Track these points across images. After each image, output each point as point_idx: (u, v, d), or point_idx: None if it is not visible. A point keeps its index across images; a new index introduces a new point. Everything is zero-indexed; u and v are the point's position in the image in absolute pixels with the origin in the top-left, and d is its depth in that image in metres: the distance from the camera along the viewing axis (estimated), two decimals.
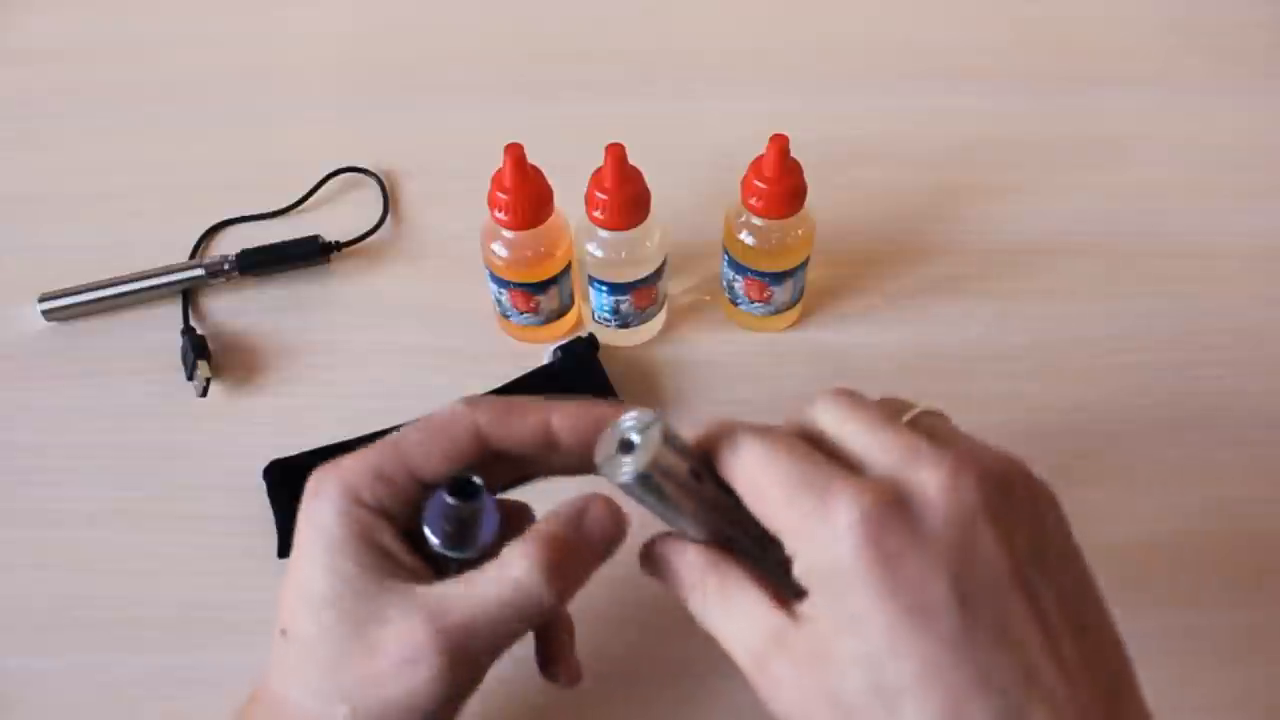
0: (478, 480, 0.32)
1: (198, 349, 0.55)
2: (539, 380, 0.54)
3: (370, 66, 0.72)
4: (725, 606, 0.31)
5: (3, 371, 0.56)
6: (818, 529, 0.27)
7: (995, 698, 0.26)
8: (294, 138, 0.68)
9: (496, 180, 0.49)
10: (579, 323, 0.57)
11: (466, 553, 0.33)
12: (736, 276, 0.54)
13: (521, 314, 0.54)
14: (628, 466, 0.29)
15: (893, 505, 0.27)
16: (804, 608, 0.29)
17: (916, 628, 0.26)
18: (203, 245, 0.62)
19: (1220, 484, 0.51)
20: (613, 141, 0.47)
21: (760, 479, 0.29)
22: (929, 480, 0.27)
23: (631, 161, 0.48)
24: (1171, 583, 0.48)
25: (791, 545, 0.29)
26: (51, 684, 0.46)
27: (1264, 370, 0.55)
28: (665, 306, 0.56)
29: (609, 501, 0.33)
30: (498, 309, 0.55)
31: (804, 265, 0.53)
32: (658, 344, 0.57)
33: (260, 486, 0.50)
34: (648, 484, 0.29)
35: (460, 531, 0.33)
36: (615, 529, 0.33)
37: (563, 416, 0.34)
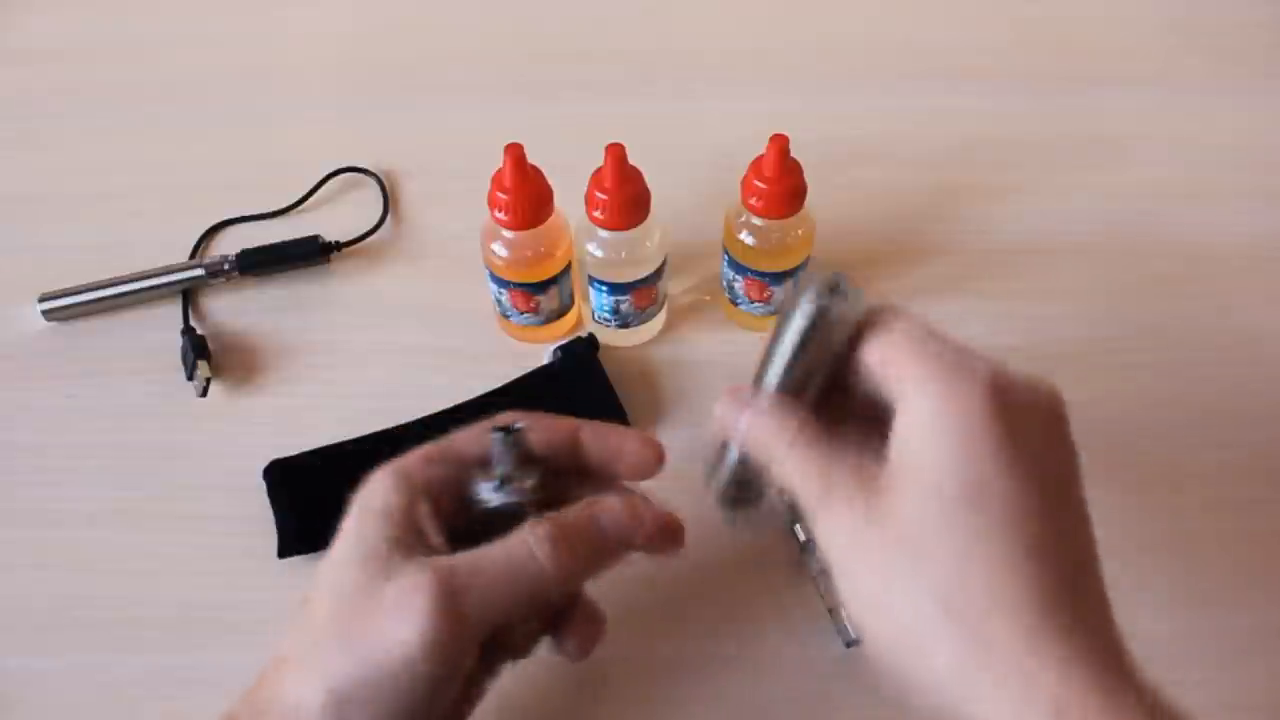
0: (520, 425, 0.36)
1: (198, 349, 0.55)
2: (539, 380, 0.54)
3: (370, 66, 0.72)
4: (818, 447, 0.33)
5: (3, 371, 0.56)
6: (957, 374, 0.31)
7: (1070, 548, 0.30)
8: (294, 138, 0.68)
9: (496, 180, 0.49)
10: (579, 323, 0.57)
11: (510, 497, 0.36)
12: (736, 276, 0.54)
13: (521, 314, 0.54)
14: (822, 300, 0.33)
15: (1014, 375, 0.31)
16: (897, 453, 0.31)
17: (1022, 464, 0.30)
18: (203, 245, 0.62)
19: (1220, 484, 0.51)
20: (613, 141, 0.47)
21: (913, 331, 0.32)
22: (1037, 379, 0.32)
23: (631, 161, 0.48)
24: (1171, 583, 0.48)
25: (919, 391, 0.31)
26: (51, 684, 0.46)
27: (1264, 370, 0.55)
28: (665, 306, 0.56)
29: (629, 499, 0.36)
30: (498, 309, 0.55)
31: (804, 265, 0.53)
32: (658, 344, 0.57)
33: (260, 486, 0.50)
34: (824, 318, 0.33)
35: (512, 473, 0.36)
36: (629, 520, 0.36)
37: (590, 430, 0.38)
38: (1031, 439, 0.30)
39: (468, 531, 0.36)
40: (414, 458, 0.37)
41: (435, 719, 0.34)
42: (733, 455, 0.38)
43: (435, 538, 0.35)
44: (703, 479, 0.40)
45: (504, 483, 0.36)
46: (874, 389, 0.33)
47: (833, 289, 0.33)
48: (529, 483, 0.36)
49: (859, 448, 0.33)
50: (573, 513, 0.35)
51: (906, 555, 0.30)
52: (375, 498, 0.35)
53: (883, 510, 0.31)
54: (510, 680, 0.42)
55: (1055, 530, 0.30)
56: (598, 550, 0.35)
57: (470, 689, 0.37)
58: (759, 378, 0.35)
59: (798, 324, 0.33)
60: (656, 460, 0.39)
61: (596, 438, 0.38)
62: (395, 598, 0.32)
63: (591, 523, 0.35)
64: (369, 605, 0.33)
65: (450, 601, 0.32)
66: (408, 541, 0.34)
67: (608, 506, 0.36)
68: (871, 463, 0.32)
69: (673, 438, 0.52)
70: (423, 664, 0.32)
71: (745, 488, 0.38)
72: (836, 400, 0.35)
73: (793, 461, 0.33)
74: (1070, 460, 0.32)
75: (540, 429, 0.38)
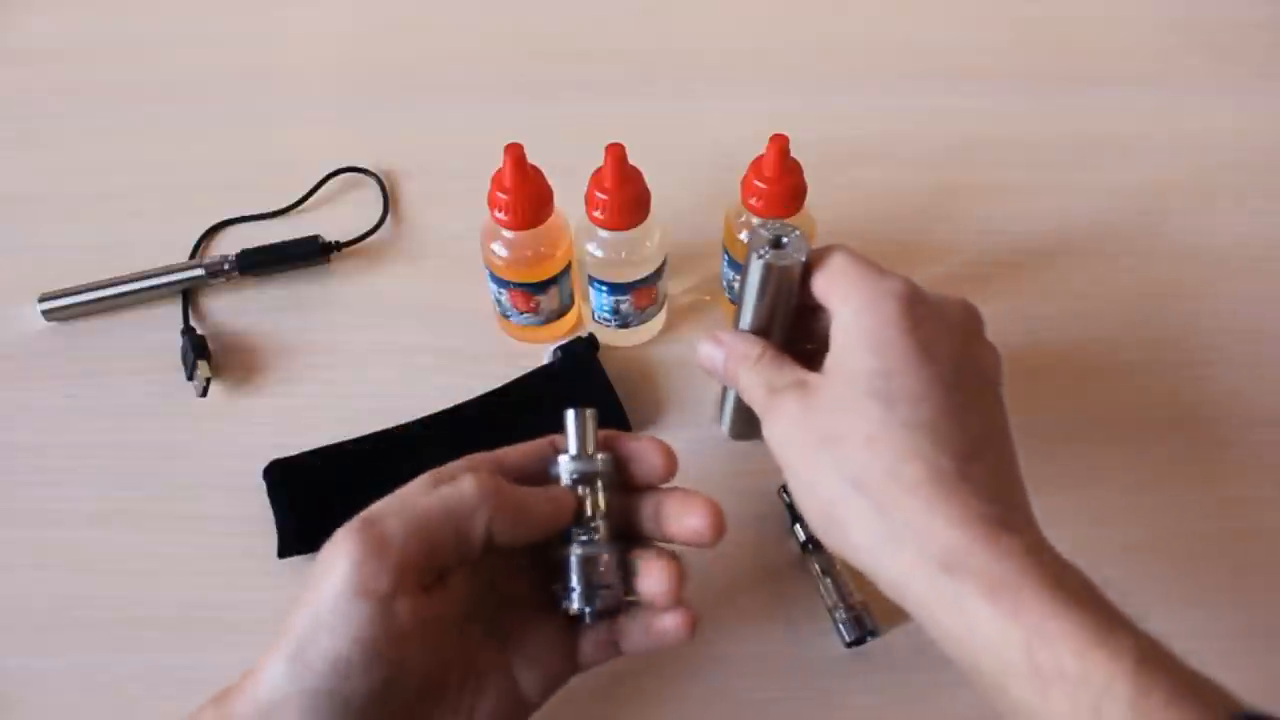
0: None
1: (198, 349, 0.55)
2: (539, 380, 0.54)
3: (370, 66, 0.72)
4: (773, 365, 0.39)
5: (3, 371, 0.56)
6: (875, 289, 0.36)
7: (965, 431, 0.34)
8: (294, 138, 0.68)
9: (496, 180, 0.49)
10: (579, 323, 0.57)
11: (585, 467, 0.40)
12: (736, 276, 0.54)
13: (521, 314, 0.54)
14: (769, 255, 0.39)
15: (928, 292, 0.37)
16: (829, 360, 0.37)
17: (925, 360, 0.35)
18: (203, 245, 0.62)
19: (1220, 484, 0.51)
20: (613, 141, 0.47)
21: (843, 261, 0.37)
22: (952, 295, 0.38)
23: (631, 161, 0.48)
24: (1171, 583, 0.48)
25: (845, 305, 0.36)
26: (51, 684, 0.46)
27: (1264, 370, 0.55)
28: (665, 306, 0.56)
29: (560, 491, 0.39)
30: (498, 309, 0.55)
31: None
32: (658, 344, 0.57)
33: (260, 486, 0.50)
34: (771, 268, 0.39)
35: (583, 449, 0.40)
36: (556, 501, 0.38)
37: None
38: (938, 340, 0.35)
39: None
40: (455, 464, 0.39)
41: (412, 675, 0.34)
42: (731, 392, 0.44)
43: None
44: (712, 418, 0.44)
45: (577, 457, 0.39)
46: (825, 320, 0.38)
47: (775, 244, 0.39)
48: (600, 457, 0.40)
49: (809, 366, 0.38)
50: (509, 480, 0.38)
51: (826, 441, 0.35)
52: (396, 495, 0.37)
53: (811, 405, 0.36)
54: None
55: (953, 414, 0.34)
56: (526, 512, 0.37)
57: (475, 675, 0.37)
58: (735, 323, 0.42)
59: (752, 276, 0.39)
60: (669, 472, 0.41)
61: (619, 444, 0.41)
62: (327, 548, 0.34)
63: (528, 491, 0.38)
64: (313, 569, 0.34)
65: (368, 529, 0.34)
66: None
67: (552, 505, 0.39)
68: (813, 375, 0.37)
69: (673, 438, 0.52)
70: (354, 596, 0.33)
71: (747, 418, 0.42)
72: (804, 338, 0.41)
73: (750, 377, 0.39)
74: (978, 359, 0.37)
75: (517, 455, 0.40)
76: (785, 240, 0.39)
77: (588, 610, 0.38)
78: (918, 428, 0.34)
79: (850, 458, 0.34)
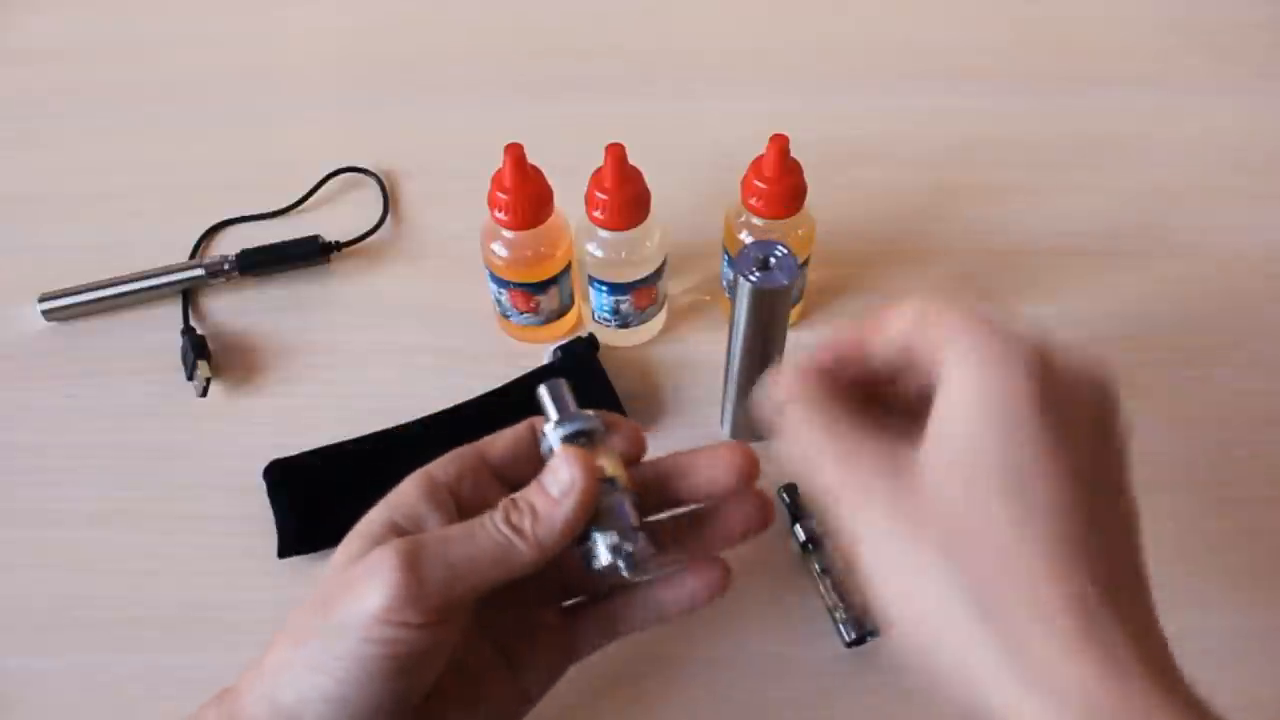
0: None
1: (198, 349, 0.55)
2: (539, 380, 0.54)
3: (370, 66, 0.72)
4: (848, 431, 0.31)
5: (3, 371, 0.56)
6: (1003, 348, 0.29)
7: (1108, 548, 0.28)
8: (294, 138, 0.68)
9: (496, 180, 0.49)
10: (579, 323, 0.57)
11: (576, 425, 0.37)
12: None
13: (521, 314, 0.54)
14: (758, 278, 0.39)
15: (1060, 352, 0.30)
16: (934, 433, 0.29)
17: (1063, 453, 0.28)
18: (203, 245, 0.62)
19: (1220, 484, 0.51)
20: (613, 141, 0.47)
21: (956, 308, 0.30)
22: (1087, 357, 0.30)
23: (631, 161, 0.48)
24: (1172, 583, 0.48)
25: (961, 364, 0.29)
26: (51, 684, 0.46)
27: (1265, 370, 0.55)
28: (665, 306, 0.56)
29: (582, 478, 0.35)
30: (498, 309, 0.55)
31: (804, 265, 0.53)
32: (658, 344, 0.57)
33: (260, 486, 0.50)
34: (762, 291, 0.39)
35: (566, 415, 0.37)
36: (584, 493, 0.34)
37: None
38: (1079, 427, 0.28)
39: None
40: (441, 459, 0.37)
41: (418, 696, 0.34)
42: (731, 391, 0.43)
43: (435, 528, 0.35)
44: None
45: (561, 421, 0.36)
46: (917, 374, 0.31)
47: (762, 264, 0.38)
48: (589, 415, 0.37)
49: (894, 434, 0.30)
50: (531, 491, 0.35)
51: (939, 549, 0.28)
52: (391, 493, 0.36)
53: (913, 492, 0.28)
54: None
55: (1099, 529, 0.28)
56: (559, 530, 0.35)
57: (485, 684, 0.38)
58: (728, 346, 0.41)
59: (741, 299, 0.38)
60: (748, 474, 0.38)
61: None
62: (363, 567, 0.33)
63: (555, 508, 0.35)
64: (342, 580, 0.33)
65: (410, 562, 0.32)
66: (404, 528, 0.35)
67: (559, 478, 0.35)
68: (904, 446, 0.29)
69: (673, 438, 0.52)
70: (383, 625, 0.32)
71: (748, 419, 0.42)
72: (880, 393, 0.33)
73: (815, 442, 0.31)
74: (1120, 453, 0.30)
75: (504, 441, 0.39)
76: (772, 260, 0.38)
77: (621, 564, 0.35)
78: (1060, 542, 0.27)
79: (971, 570, 0.27)
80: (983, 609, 0.27)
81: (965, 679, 0.27)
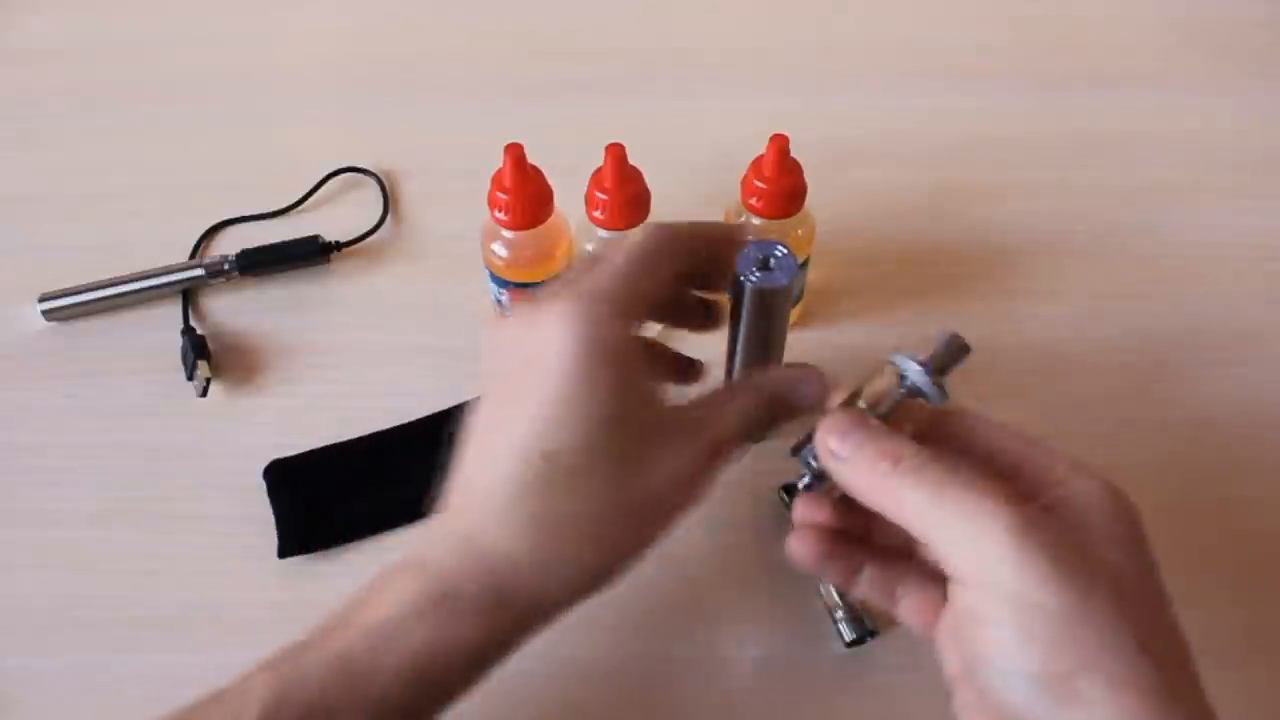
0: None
1: (198, 349, 0.55)
2: None
3: (370, 66, 0.72)
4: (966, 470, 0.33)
5: (3, 371, 0.56)
6: (1080, 475, 0.33)
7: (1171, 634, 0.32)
8: (294, 138, 0.68)
9: (496, 180, 0.49)
10: None
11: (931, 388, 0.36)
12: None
13: None
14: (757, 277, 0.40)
15: None
16: (1059, 503, 0.32)
17: (1148, 568, 0.33)
18: (203, 245, 0.62)
19: (1220, 484, 0.51)
20: (613, 141, 0.47)
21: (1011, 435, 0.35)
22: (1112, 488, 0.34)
23: (631, 161, 0.48)
24: (1172, 583, 0.48)
25: (1080, 480, 0.33)
26: (51, 684, 0.46)
27: (1264, 370, 0.55)
28: None
29: (816, 373, 0.38)
30: (498, 309, 0.55)
31: (804, 265, 0.53)
32: None
33: (260, 486, 0.50)
34: (762, 292, 0.39)
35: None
36: (821, 394, 0.38)
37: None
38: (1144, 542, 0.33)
39: None
40: (628, 295, 0.36)
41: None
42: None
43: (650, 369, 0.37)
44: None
45: (936, 371, 0.36)
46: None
47: (762, 264, 0.38)
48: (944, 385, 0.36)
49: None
50: (778, 383, 0.39)
51: (1111, 584, 0.31)
52: (615, 340, 0.34)
53: (1079, 534, 0.31)
54: (511, 680, 0.41)
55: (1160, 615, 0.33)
56: (788, 415, 0.38)
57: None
58: (728, 348, 0.41)
59: (743, 301, 0.39)
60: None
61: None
62: (679, 469, 0.35)
63: (795, 398, 0.38)
64: (649, 466, 0.34)
65: (713, 475, 0.35)
66: (649, 388, 0.36)
67: (808, 380, 0.39)
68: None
69: None
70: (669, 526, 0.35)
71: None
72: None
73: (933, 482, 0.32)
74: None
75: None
76: (773, 260, 0.39)
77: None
78: (1180, 643, 0.33)
79: (1138, 614, 0.31)
80: (1142, 641, 0.30)
81: (1113, 695, 0.29)
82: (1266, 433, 0.53)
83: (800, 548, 0.38)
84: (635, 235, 0.38)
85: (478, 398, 0.37)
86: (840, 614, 0.46)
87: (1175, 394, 0.54)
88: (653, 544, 0.35)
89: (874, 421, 0.35)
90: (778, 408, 0.38)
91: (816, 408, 0.38)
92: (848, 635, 0.45)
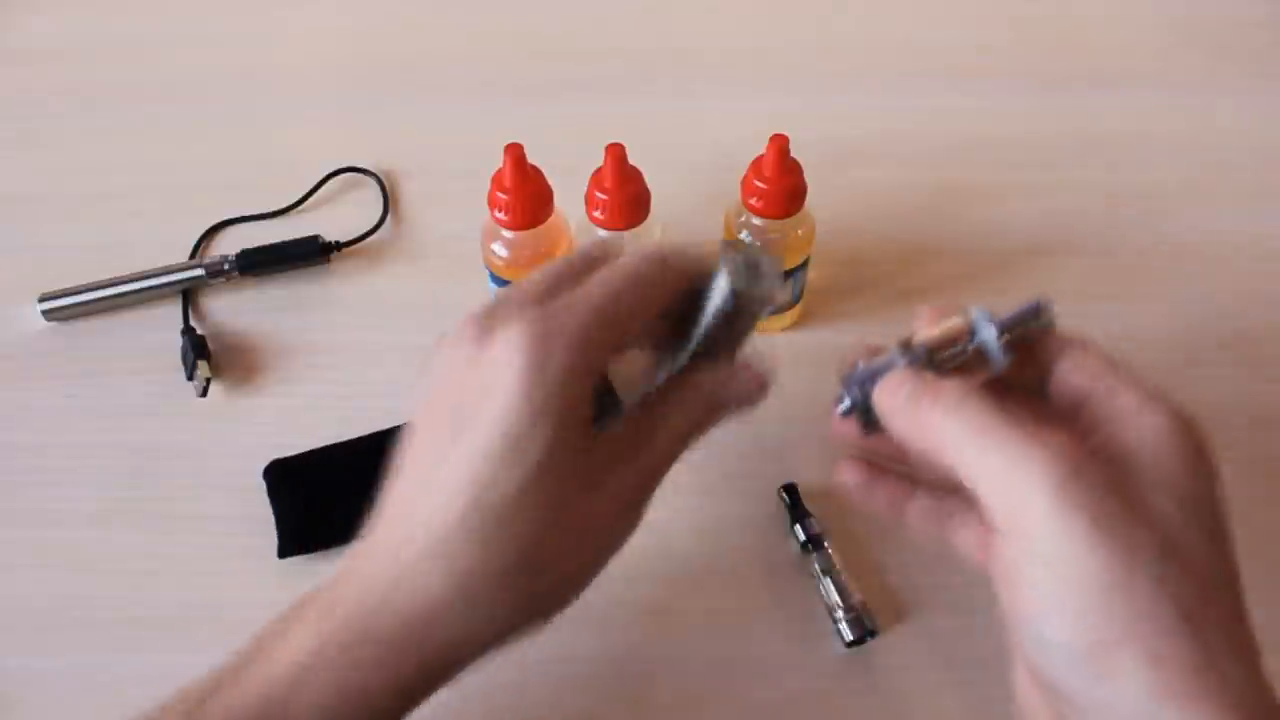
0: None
1: (198, 349, 0.55)
2: None
3: (370, 66, 0.72)
4: (1014, 412, 0.31)
5: (3, 371, 0.56)
6: (1154, 405, 0.32)
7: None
8: (294, 138, 0.68)
9: (496, 180, 0.49)
10: None
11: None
12: None
13: None
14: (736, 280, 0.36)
15: None
16: (1128, 453, 0.31)
17: (1224, 501, 0.32)
18: (203, 245, 0.62)
19: (1220, 483, 0.51)
20: (613, 141, 0.47)
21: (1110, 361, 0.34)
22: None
23: (631, 161, 0.48)
24: None
25: (1159, 414, 0.32)
26: (51, 684, 0.46)
27: (1264, 370, 0.55)
28: None
29: (755, 373, 0.37)
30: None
31: (804, 265, 0.53)
32: None
33: (260, 486, 0.50)
34: (743, 297, 0.36)
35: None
36: (759, 394, 0.37)
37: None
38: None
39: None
40: (596, 334, 0.33)
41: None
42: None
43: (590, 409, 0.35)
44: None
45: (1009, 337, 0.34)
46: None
47: (752, 267, 0.35)
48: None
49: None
50: (712, 383, 0.37)
51: (1159, 548, 0.29)
52: (560, 382, 0.32)
53: (1130, 491, 0.29)
54: (511, 680, 0.42)
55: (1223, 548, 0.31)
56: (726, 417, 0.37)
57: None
58: (684, 340, 0.37)
59: (717, 302, 0.36)
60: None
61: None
62: (619, 498, 0.34)
63: (730, 398, 0.37)
64: (581, 506, 0.33)
65: (647, 499, 0.35)
66: (586, 427, 0.34)
67: (743, 379, 0.37)
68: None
69: None
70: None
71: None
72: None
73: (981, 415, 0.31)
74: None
75: (693, 266, 0.37)
76: (762, 265, 0.36)
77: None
78: (1237, 592, 0.31)
79: (1182, 578, 0.29)
80: (1188, 618, 0.28)
81: (1149, 670, 0.28)
82: (1266, 432, 0.53)
83: (849, 473, 0.37)
84: (627, 259, 0.36)
85: (416, 415, 0.35)
86: (840, 614, 0.46)
87: (1175, 394, 0.54)
88: (586, 583, 0.35)
89: (928, 375, 0.33)
90: (714, 416, 0.37)
91: (754, 408, 0.37)
92: (848, 635, 0.45)
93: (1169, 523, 0.29)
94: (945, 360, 0.34)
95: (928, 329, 0.35)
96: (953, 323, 0.35)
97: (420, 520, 0.32)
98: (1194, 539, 0.29)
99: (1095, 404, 0.32)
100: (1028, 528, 0.29)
